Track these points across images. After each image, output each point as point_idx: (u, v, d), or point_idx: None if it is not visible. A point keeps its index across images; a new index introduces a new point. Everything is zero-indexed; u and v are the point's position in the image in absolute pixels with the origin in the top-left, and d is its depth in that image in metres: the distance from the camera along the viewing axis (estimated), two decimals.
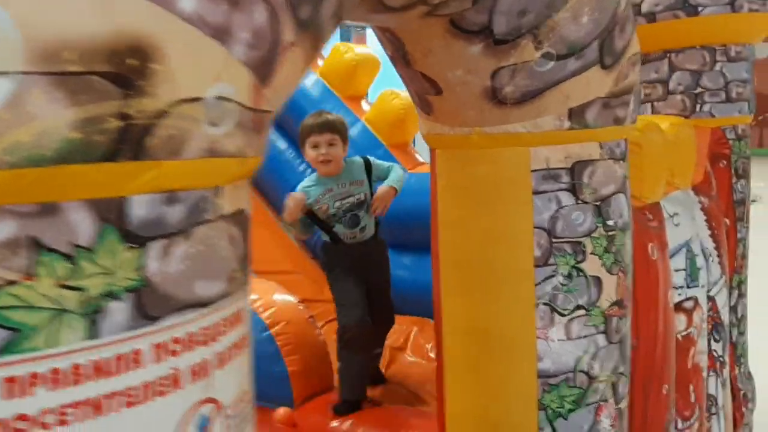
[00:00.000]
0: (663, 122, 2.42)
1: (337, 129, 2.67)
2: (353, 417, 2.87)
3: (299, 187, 2.79)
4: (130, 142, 0.64)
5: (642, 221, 2.12)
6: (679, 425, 2.44)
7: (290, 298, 3.21)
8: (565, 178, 1.66)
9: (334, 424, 2.87)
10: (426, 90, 1.66)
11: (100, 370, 0.67)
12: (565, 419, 1.72)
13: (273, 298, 3.13)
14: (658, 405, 2.17)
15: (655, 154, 2.30)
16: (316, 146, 2.67)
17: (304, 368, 3.04)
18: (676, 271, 2.42)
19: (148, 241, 0.69)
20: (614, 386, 1.79)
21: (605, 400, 1.77)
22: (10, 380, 0.63)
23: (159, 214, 0.69)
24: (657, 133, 2.28)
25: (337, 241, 2.81)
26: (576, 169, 1.66)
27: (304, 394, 3.03)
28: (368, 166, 2.81)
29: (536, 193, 1.65)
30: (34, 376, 0.64)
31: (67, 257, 0.64)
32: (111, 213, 0.66)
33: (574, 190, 1.67)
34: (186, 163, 0.70)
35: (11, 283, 0.61)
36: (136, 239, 0.68)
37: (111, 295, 0.67)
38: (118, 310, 0.67)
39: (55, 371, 0.65)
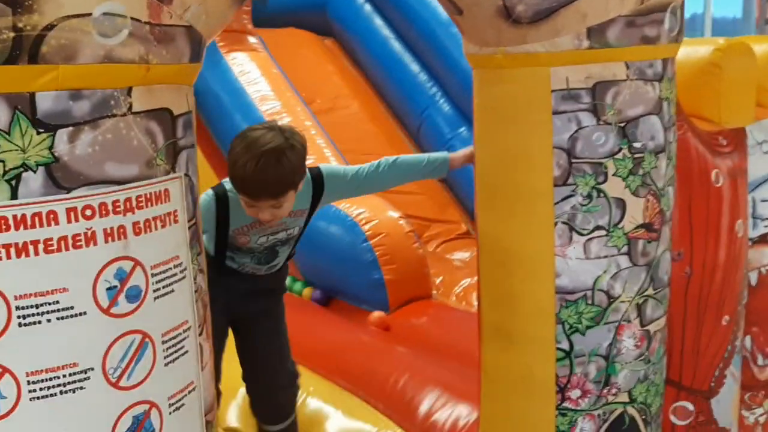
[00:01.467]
0: (761, 43, 2.26)
1: (291, 185, 1.79)
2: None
3: (212, 193, 1.89)
4: (25, 50, 0.84)
5: (708, 146, 2.05)
6: (760, 361, 2.36)
7: (393, 214, 3.41)
8: (586, 99, 1.66)
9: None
10: (450, 10, 1.73)
11: (21, 222, 0.90)
12: (583, 335, 1.78)
13: (376, 213, 3.35)
14: (715, 335, 2.12)
15: (740, 77, 2.17)
16: (251, 206, 1.80)
17: (400, 277, 3.26)
18: (764, 201, 2.30)
19: (58, 128, 0.90)
20: (639, 308, 1.80)
21: (627, 321, 1.79)
22: None
23: (65, 107, 0.90)
24: (743, 54, 2.14)
25: (225, 270, 1.96)
26: (598, 89, 1.66)
27: (399, 301, 3.26)
28: (319, 185, 1.98)
29: (556, 113, 1.68)
30: None
31: None
32: (22, 104, 0.88)
33: (595, 110, 1.67)
34: (83, 67, 0.89)
35: None
36: (45, 126, 0.89)
37: (25, 168, 0.89)
38: (33, 180, 0.90)
39: None
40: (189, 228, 1.10)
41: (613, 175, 1.71)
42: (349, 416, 2.46)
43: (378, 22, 5.09)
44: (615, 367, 1.80)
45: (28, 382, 0.94)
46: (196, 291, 1.13)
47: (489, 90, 1.81)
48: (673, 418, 2.07)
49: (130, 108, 0.96)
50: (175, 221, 1.06)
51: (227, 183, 1.85)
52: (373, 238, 3.25)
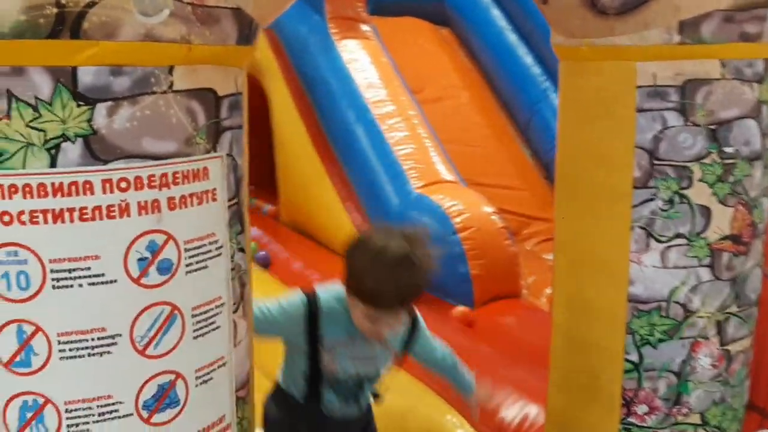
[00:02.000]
0: None
1: (422, 285, 1.67)
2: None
3: (317, 297, 1.73)
4: (67, 25, 0.88)
5: None
6: None
7: (487, 208, 3.35)
8: (674, 97, 1.56)
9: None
10: None
11: (59, 190, 0.95)
12: (654, 348, 1.68)
13: (469, 206, 3.30)
14: None
15: None
16: (373, 320, 1.64)
17: (487, 273, 3.20)
18: None
19: (97, 102, 0.94)
20: (720, 325, 1.68)
21: (705, 338, 1.68)
22: None
23: (105, 82, 0.94)
24: None
25: (306, 405, 1.78)
26: (688, 87, 1.55)
27: (485, 297, 3.20)
28: (413, 331, 1.83)
29: (640, 110, 1.59)
30: (13, 186, 0.94)
31: (32, 106, 0.92)
32: (64, 77, 0.92)
33: (683, 110, 1.56)
34: (123, 44, 0.92)
35: None
36: (85, 99, 0.93)
37: (65, 138, 0.93)
38: (71, 150, 0.94)
39: (27, 186, 0.94)
40: (229, 207, 1.12)
41: (699, 180, 1.59)
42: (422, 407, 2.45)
43: (495, 12, 5.01)
44: (688, 385, 1.69)
45: (59, 342, 0.99)
46: (233, 269, 1.15)
47: (573, 83, 1.73)
48: None
49: (171, 86, 0.99)
50: (213, 199, 1.08)
51: (323, 292, 1.73)
52: (463, 231, 3.21)
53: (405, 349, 1.83)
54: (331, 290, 1.73)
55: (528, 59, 4.72)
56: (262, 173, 4.82)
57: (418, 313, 1.86)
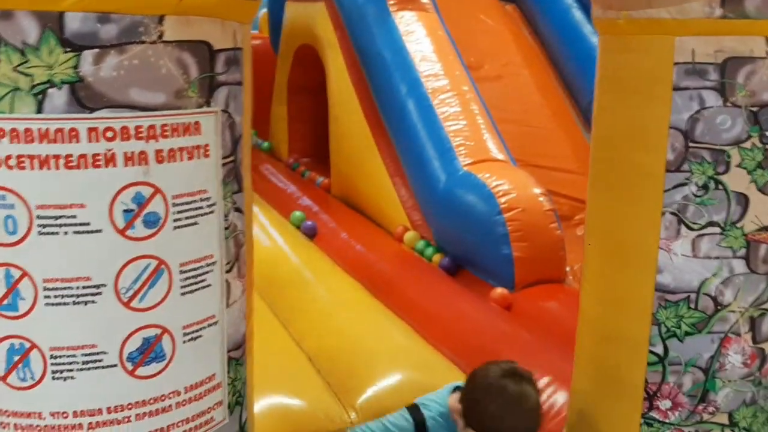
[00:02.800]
0: None
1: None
2: None
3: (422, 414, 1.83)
4: None
5: None
6: None
7: (535, 190, 3.27)
8: (713, 75, 1.47)
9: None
10: None
11: (45, 136, 0.96)
12: (680, 341, 1.60)
13: (516, 186, 3.22)
14: None
15: None
16: None
17: (530, 255, 3.12)
18: None
19: (84, 49, 0.94)
20: (754, 322, 1.59)
21: (737, 334, 1.59)
22: None
23: (92, 29, 0.93)
24: None
25: None
26: (729, 65, 1.45)
27: (526, 280, 3.13)
28: None
29: (677, 89, 1.50)
30: (1, 130, 0.95)
31: (19, 51, 0.92)
32: (51, 22, 0.92)
33: (722, 89, 1.47)
34: None
35: None
36: (72, 45, 0.93)
37: (51, 84, 0.94)
38: (57, 96, 0.94)
39: (14, 130, 0.95)
40: (224, 165, 1.11)
41: (737, 166, 1.50)
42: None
43: None
44: (715, 383, 1.61)
45: (44, 288, 1.00)
46: (227, 228, 1.14)
47: (610, 58, 1.65)
48: None
49: (160, 36, 0.98)
50: (206, 155, 1.07)
51: (427, 410, 1.81)
52: (508, 212, 3.13)
53: None
54: (433, 407, 1.80)
55: (594, 39, 4.54)
56: (320, 147, 4.85)
57: None
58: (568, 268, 3.31)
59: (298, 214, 4.13)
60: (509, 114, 4.32)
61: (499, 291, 3.08)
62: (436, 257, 3.47)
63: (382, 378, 2.36)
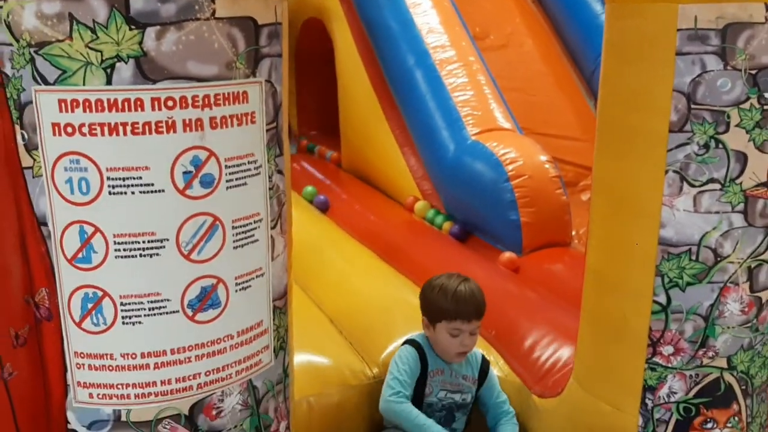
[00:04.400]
0: None
1: (483, 312, 2.11)
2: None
3: (408, 347, 2.16)
4: None
5: None
6: None
7: (541, 157, 3.37)
8: (714, 41, 1.56)
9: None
10: None
11: (114, 105, 1.07)
12: (682, 291, 1.72)
13: (523, 154, 3.32)
14: None
15: None
16: (456, 334, 2.06)
17: (537, 220, 3.23)
18: None
19: (147, 26, 1.05)
20: (751, 272, 1.70)
21: (735, 284, 1.70)
22: (63, 101, 1.06)
23: (154, 8, 1.04)
24: None
25: None
26: (729, 31, 1.55)
27: (534, 244, 3.25)
28: (485, 369, 2.21)
29: (680, 54, 1.60)
30: (75, 101, 1.07)
31: (90, 29, 1.03)
32: (117, 3, 1.03)
33: (723, 54, 1.57)
34: None
35: (59, 41, 1.03)
36: (136, 23, 1.04)
37: (119, 58, 1.05)
38: (125, 69, 1.06)
39: (87, 101, 1.07)
40: (267, 130, 1.22)
41: (737, 126, 1.60)
42: None
43: None
44: (715, 329, 1.72)
45: (114, 242, 1.12)
46: (271, 188, 1.26)
47: (617, 24, 1.74)
48: None
49: (213, 13, 1.08)
50: (252, 122, 1.19)
51: (416, 336, 2.20)
52: (515, 179, 3.24)
53: (480, 385, 2.20)
54: (417, 334, 2.20)
55: (597, 7, 4.60)
56: (328, 120, 4.94)
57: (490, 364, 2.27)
58: (573, 232, 3.42)
59: (309, 188, 4.24)
60: (514, 83, 4.40)
61: (508, 255, 3.19)
62: (447, 225, 3.58)
63: (400, 335, 2.49)
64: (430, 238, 3.52)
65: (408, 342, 2.20)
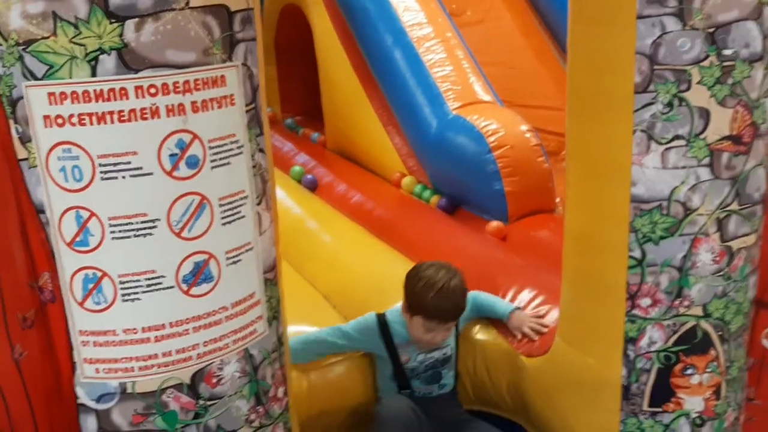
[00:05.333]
0: None
1: (463, 307, 2.18)
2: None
3: (372, 323, 2.24)
4: None
5: None
6: None
7: (522, 127, 3.43)
8: (672, 2, 1.63)
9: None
10: None
11: (100, 95, 1.14)
12: (656, 244, 1.80)
13: (504, 125, 3.39)
14: None
15: None
16: (431, 330, 2.13)
17: (521, 189, 3.30)
18: None
19: (126, 19, 1.11)
20: (720, 223, 1.78)
21: (705, 235, 1.78)
22: (52, 94, 1.13)
23: (132, 1, 1.11)
24: None
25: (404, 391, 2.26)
26: None
27: (519, 212, 3.32)
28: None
29: (640, 17, 1.66)
30: (63, 94, 1.13)
31: (73, 25, 1.10)
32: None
33: (681, 15, 1.63)
34: None
35: (44, 38, 1.09)
36: (116, 17, 1.10)
37: (101, 51, 1.11)
38: (108, 61, 1.12)
39: (74, 92, 1.13)
40: (247, 111, 1.29)
41: (698, 83, 1.67)
42: None
43: None
44: (689, 279, 1.80)
45: (110, 225, 1.19)
46: (254, 166, 1.32)
47: None
48: (765, 342, 2.03)
49: (187, 3, 1.15)
50: (232, 104, 1.25)
51: (389, 313, 2.25)
52: (498, 150, 3.30)
53: (458, 325, 2.29)
54: (394, 310, 2.25)
55: None
56: (313, 103, 4.99)
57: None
58: (557, 199, 3.49)
59: (297, 168, 4.31)
60: (493, 57, 4.45)
61: (495, 224, 3.26)
62: (434, 199, 3.65)
63: (393, 307, 2.56)
64: (419, 212, 3.60)
65: (378, 316, 2.23)
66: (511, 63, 4.58)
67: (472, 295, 2.32)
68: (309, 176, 4.19)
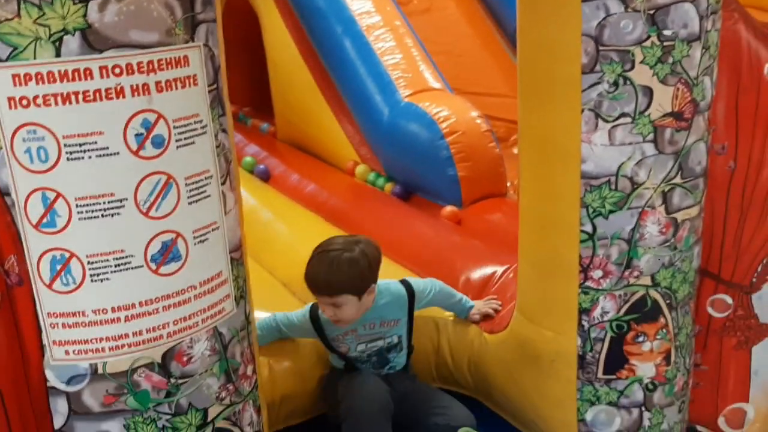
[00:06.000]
0: None
1: (345, 288, 1.99)
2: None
3: (306, 313, 2.17)
4: None
5: (763, 38, 2.01)
6: None
7: (473, 113, 3.50)
8: None
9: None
10: None
11: (64, 76, 1.14)
12: (606, 218, 1.87)
13: (455, 111, 3.45)
14: (759, 231, 2.12)
15: None
16: (324, 305, 2.05)
17: (474, 174, 3.38)
18: None
19: (90, 0, 1.12)
20: (665, 196, 1.86)
21: (652, 207, 1.86)
22: (16, 75, 1.13)
23: None
24: None
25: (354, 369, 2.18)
26: None
27: (472, 197, 3.39)
28: (411, 297, 2.20)
29: (585, 0, 1.73)
30: (28, 75, 1.13)
31: (37, 6, 1.10)
32: None
33: None
34: None
35: (8, 19, 1.09)
36: None
37: (65, 32, 1.12)
38: (72, 41, 1.13)
39: (39, 74, 1.13)
40: (209, 92, 1.31)
41: (641, 62, 1.74)
42: None
43: None
44: (637, 251, 1.88)
45: (77, 205, 1.20)
46: (218, 146, 1.34)
47: None
48: (710, 310, 2.12)
49: None
50: (195, 84, 1.27)
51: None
52: (450, 136, 3.36)
53: (412, 317, 2.23)
54: None
55: None
56: (261, 95, 4.98)
57: (415, 284, 2.27)
58: (508, 184, 3.58)
59: (248, 159, 4.30)
60: (441, 46, 4.51)
61: (449, 209, 3.33)
62: (388, 186, 3.69)
63: None
64: (374, 200, 3.64)
65: (312, 307, 2.18)
66: (458, 51, 4.66)
67: (433, 284, 2.31)
68: (261, 166, 4.19)
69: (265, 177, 4.11)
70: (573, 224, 1.91)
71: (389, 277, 2.74)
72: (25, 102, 1.14)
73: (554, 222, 1.97)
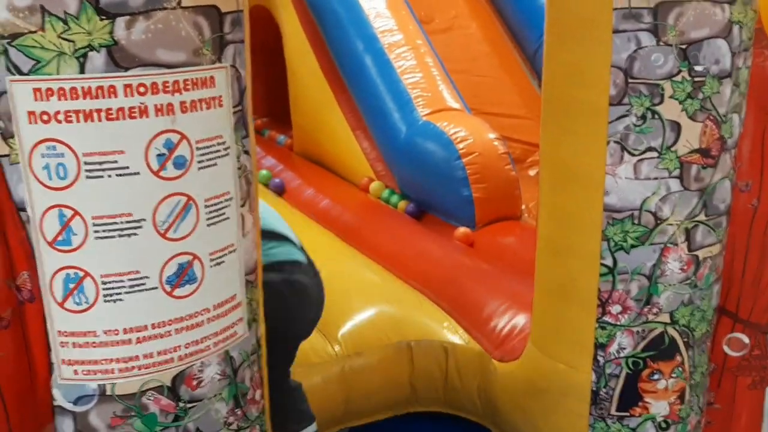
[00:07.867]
0: None
1: None
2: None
3: None
4: None
5: None
6: None
7: (490, 135, 3.48)
8: (647, 18, 1.68)
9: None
10: None
11: (87, 93, 1.12)
12: (627, 253, 1.84)
13: (472, 132, 3.43)
14: None
15: None
16: None
17: (488, 196, 3.35)
18: None
19: (117, 16, 1.10)
20: (689, 233, 1.83)
21: (674, 244, 1.83)
22: (38, 90, 1.11)
23: None
24: None
25: None
26: (660, 9, 1.67)
27: (486, 219, 3.37)
28: None
29: (616, 31, 1.71)
30: (50, 90, 1.11)
31: (62, 20, 1.08)
32: None
33: (656, 30, 1.68)
34: None
35: (32, 32, 1.07)
36: (106, 14, 1.09)
37: (91, 48, 1.10)
38: (97, 58, 1.10)
39: (61, 89, 1.11)
40: (234, 113, 1.28)
41: (670, 97, 1.72)
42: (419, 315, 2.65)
43: None
44: (658, 287, 1.85)
45: (93, 224, 1.17)
46: (239, 168, 1.32)
47: (557, 5, 1.85)
48: (726, 349, 2.09)
49: (179, 2, 1.14)
50: (220, 105, 1.25)
51: None
52: (466, 156, 3.34)
53: None
54: None
55: None
56: (279, 106, 4.97)
57: None
58: (523, 206, 3.55)
59: (264, 172, 4.28)
60: (460, 65, 4.50)
61: (462, 230, 3.30)
62: (402, 204, 3.67)
63: (359, 312, 2.58)
64: (387, 217, 3.62)
65: None
66: (477, 71, 4.64)
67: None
68: (276, 180, 4.17)
69: (280, 191, 4.09)
70: (593, 256, 1.88)
71: (397, 292, 2.71)
72: (45, 117, 1.12)
73: (573, 252, 1.94)
